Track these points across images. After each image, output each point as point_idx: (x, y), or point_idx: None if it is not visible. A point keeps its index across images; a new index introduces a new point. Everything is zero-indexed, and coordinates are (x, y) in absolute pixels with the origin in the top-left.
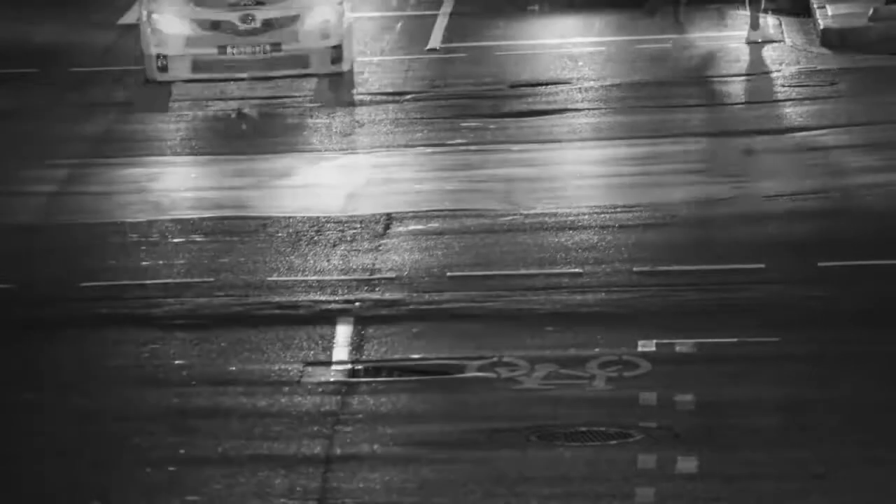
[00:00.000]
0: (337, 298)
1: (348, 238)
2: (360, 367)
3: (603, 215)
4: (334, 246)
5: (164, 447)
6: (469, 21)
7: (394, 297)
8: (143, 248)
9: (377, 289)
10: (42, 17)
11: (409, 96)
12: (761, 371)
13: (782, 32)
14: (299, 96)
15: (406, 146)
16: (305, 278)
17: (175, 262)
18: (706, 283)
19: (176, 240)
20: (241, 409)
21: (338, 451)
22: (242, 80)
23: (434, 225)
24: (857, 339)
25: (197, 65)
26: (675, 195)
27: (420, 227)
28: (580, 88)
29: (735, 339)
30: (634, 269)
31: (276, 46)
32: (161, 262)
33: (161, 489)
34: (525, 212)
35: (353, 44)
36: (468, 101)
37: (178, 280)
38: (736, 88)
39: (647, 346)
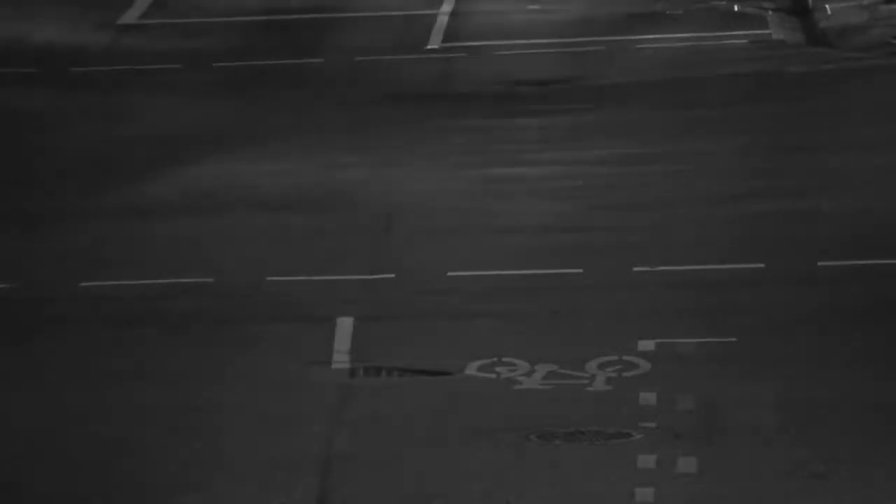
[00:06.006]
0: (337, 298)
1: (348, 237)
2: (360, 367)
3: (602, 215)
4: (334, 245)
5: (164, 447)
6: None
7: (394, 297)
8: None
9: (377, 289)
10: (42, 17)
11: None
12: (761, 371)
13: (782, 31)
14: None
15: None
16: (306, 278)
17: (175, 261)
18: (706, 283)
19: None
20: (241, 409)
21: (338, 451)
22: None
23: (434, 225)
24: (857, 339)
25: None
26: (674, 194)
27: (420, 226)
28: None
29: (735, 339)
30: (634, 268)
31: None
32: (160, 261)
33: (161, 489)
34: (525, 211)
35: None
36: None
37: (178, 280)
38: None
39: (647, 346)
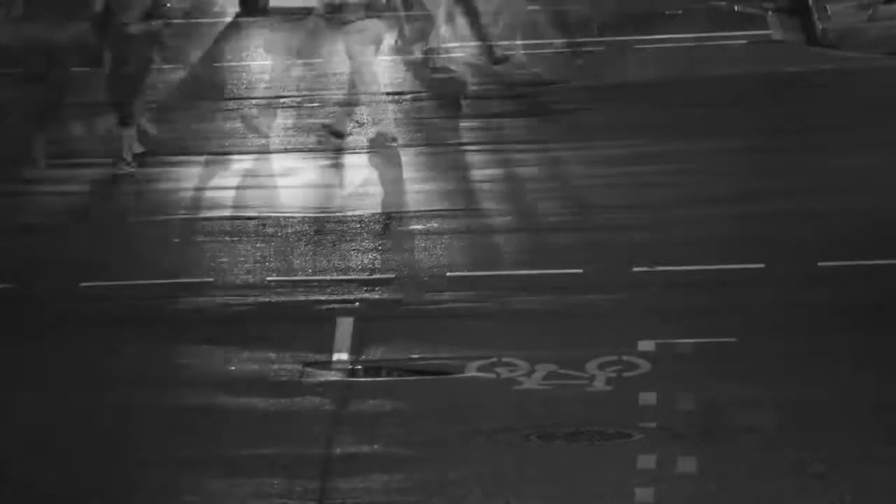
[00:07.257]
0: (337, 298)
1: (348, 238)
2: (360, 367)
3: (602, 215)
4: (334, 246)
5: (164, 447)
6: None
7: (394, 297)
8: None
9: (377, 289)
10: (42, 17)
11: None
12: (761, 371)
13: (782, 31)
14: None
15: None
16: (305, 278)
17: (176, 261)
18: (706, 283)
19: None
20: (241, 409)
21: (338, 451)
22: None
23: (434, 225)
24: (857, 339)
25: None
26: (673, 195)
27: (420, 227)
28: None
29: (735, 339)
30: (634, 269)
31: None
32: (161, 261)
33: (161, 489)
34: (524, 212)
35: None
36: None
37: (178, 280)
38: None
39: (647, 346)
